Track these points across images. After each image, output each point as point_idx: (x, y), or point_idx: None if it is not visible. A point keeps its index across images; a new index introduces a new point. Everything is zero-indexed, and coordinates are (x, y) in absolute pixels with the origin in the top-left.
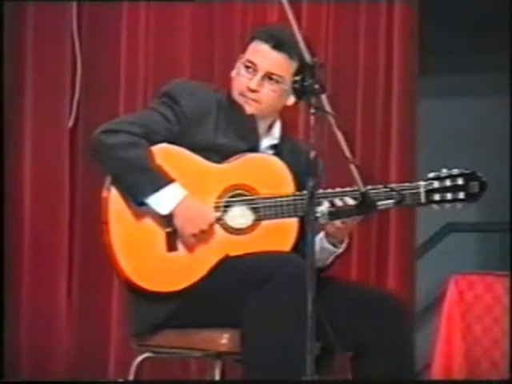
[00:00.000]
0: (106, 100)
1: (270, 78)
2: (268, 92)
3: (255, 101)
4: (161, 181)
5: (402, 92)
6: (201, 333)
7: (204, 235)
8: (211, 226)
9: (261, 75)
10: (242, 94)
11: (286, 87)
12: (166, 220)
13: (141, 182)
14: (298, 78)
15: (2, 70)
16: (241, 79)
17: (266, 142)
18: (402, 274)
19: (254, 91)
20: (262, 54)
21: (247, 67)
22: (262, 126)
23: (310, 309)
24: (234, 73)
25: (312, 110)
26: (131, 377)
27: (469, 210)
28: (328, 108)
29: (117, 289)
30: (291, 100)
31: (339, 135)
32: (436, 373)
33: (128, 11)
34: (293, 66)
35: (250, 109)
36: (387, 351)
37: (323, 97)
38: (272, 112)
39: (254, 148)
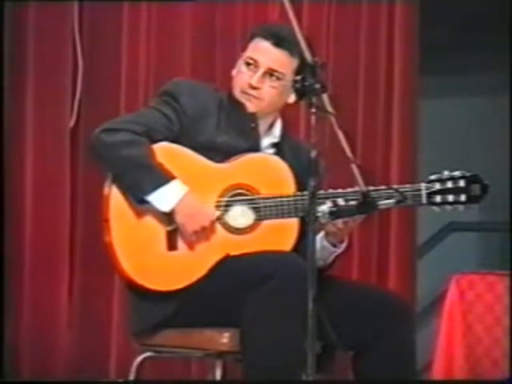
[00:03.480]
0: (107, 100)
1: (271, 75)
2: (269, 89)
3: (256, 98)
4: (162, 178)
5: (403, 92)
6: (201, 332)
7: (205, 234)
8: (212, 222)
9: (262, 72)
10: (243, 92)
11: (287, 84)
12: (167, 217)
13: (142, 180)
14: (299, 77)
15: (3, 70)
16: (242, 76)
17: (266, 141)
18: (402, 273)
19: (255, 88)
20: (263, 51)
21: (248, 64)
22: (262, 125)
23: (311, 308)
24: (234, 71)
25: (313, 110)
26: (132, 376)
27: (470, 210)
28: (329, 108)
29: (118, 288)
30: (292, 98)
31: (340, 135)
32: (437, 372)
33: (129, 11)
34: (294, 63)
35: (251, 106)
36: (388, 350)
37: (324, 96)
38: (273, 110)
39: (255, 147)
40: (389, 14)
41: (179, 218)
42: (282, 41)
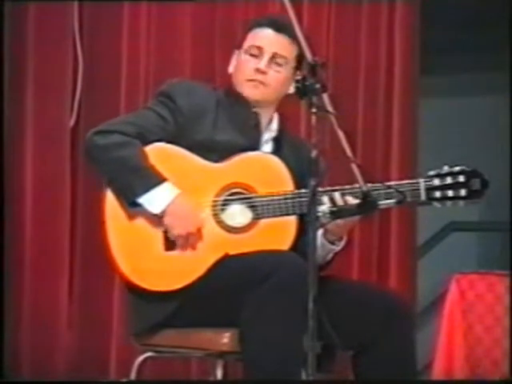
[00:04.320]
0: (108, 99)
1: (276, 61)
2: (275, 74)
3: (263, 83)
4: (153, 180)
5: (403, 91)
6: (202, 332)
7: (189, 241)
8: (199, 229)
9: (268, 57)
10: (249, 79)
11: (290, 71)
12: (160, 219)
13: (133, 182)
14: (299, 77)
15: (3, 70)
16: (246, 65)
17: (265, 136)
18: (403, 273)
19: (263, 72)
20: (268, 37)
21: (251, 53)
22: (263, 119)
23: (311, 308)
24: (231, 68)
25: (313, 110)
26: (133, 376)
27: (470, 210)
28: (329, 107)
29: (118, 288)
30: (292, 89)
31: (340, 134)
32: (437, 372)
33: (129, 10)
34: (294, 49)
35: (256, 93)
36: (388, 350)
37: (325, 96)
38: (276, 98)
39: (255, 144)
40: (389, 13)
41: (168, 221)
42: (282, 27)
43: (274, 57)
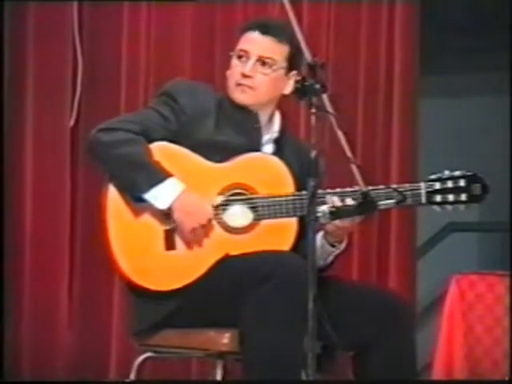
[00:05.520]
0: (107, 99)
1: (263, 63)
2: (262, 77)
3: (250, 87)
4: (158, 176)
5: (403, 92)
6: (202, 333)
7: (203, 232)
8: (210, 220)
9: (253, 60)
10: (237, 84)
11: (281, 72)
12: (165, 216)
13: (138, 178)
14: (299, 77)
15: (3, 70)
16: (235, 69)
17: (266, 137)
18: (403, 273)
19: (248, 76)
20: (253, 40)
21: (239, 57)
22: (262, 119)
23: (311, 308)
24: (228, 72)
25: (313, 110)
26: (132, 376)
27: (470, 210)
28: (329, 108)
29: (118, 288)
30: (288, 89)
31: (340, 135)
32: (437, 372)
33: (129, 10)
34: (284, 49)
35: (246, 98)
36: (388, 351)
37: (324, 97)
38: (269, 100)
39: (256, 145)
40: (389, 13)
41: (177, 216)
42: (268, 28)
43: (260, 60)
